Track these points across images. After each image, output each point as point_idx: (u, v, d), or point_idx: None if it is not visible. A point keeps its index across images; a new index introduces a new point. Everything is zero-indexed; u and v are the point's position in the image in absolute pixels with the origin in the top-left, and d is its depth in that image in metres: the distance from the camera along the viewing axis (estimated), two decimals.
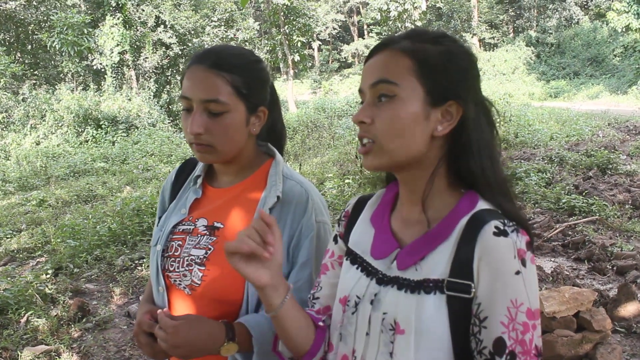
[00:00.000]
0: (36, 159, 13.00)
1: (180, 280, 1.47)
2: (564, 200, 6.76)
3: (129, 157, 13.04)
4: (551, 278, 4.72)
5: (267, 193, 1.47)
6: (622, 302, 3.89)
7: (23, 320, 4.47)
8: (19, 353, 3.92)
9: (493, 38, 39.45)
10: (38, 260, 6.17)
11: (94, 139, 15.87)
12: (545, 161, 9.44)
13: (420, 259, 1.08)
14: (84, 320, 4.50)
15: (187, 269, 1.45)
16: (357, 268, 1.20)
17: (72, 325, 4.40)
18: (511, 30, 40.62)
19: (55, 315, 4.50)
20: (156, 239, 1.55)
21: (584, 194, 7.20)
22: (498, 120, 1.19)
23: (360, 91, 1.14)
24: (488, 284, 1.00)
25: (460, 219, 1.07)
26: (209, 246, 1.45)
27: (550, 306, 3.46)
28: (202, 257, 1.44)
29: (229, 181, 1.54)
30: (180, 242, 1.50)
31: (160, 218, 1.61)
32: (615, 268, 4.95)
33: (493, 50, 36.87)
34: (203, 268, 1.43)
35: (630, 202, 6.90)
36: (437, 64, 1.07)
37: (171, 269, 1.48)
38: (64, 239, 6.34)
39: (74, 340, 4.20)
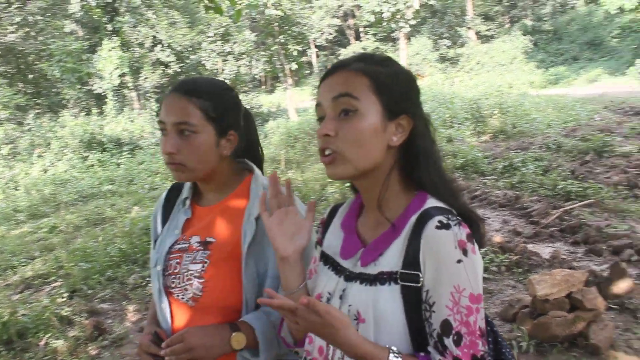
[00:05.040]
0: (45, 187, 13.20)
1: (182, 295, 1.61)
2: (560, 186, 6.88)
3: (135, 178, 13.21)
4: (548, 263, 4.84)
5: (251, 204, 1.62)
6: (614, 281, 4.00)
7: (42, 342, 4.63)
8: None
9: (489, 30, 39.44)
10: (53, 285, 6.33)
11: (99, 163, 16.08)
12: (543, 149, 9.56)
13: (378, 255, 1.22)
14: (100, 338, 4.66)
15: (187, 283, 1.60)
16: (329, 268, 1.34)
17: (90, 344, 4.57)
18: (507, 21, 40.61)
19: (73, 336, 4.66)
20: (155, 261, 1.69)
21: (579, 178, 7.32)
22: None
23: (319, 105, 1.26)
24: (433, 273, 1.13)
25: (411, 216, 1.21)
26: (205, 259, 1.60)
27: (543, 289, 3.58)
28: (200, 270, 1.59)
29: (214, 199, 1.68)
30: (178, 260, 1.64)
31: (155, 241, 1.75)
32: (610, 248, 5.06)
33: (490, 42, 36.87)
34: (202, 280, 1.58)
35: (625, 182, 7.00)
36: (389, 83, 1.21)
37: (172, 285, 1.63)
38: (77, 263, 6.52)
39: (92, 358, 4.36)
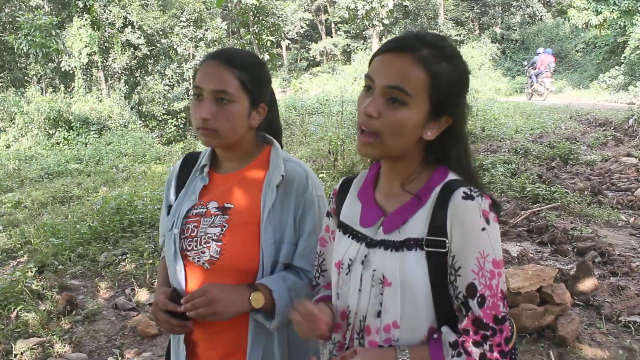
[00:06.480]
0: (8, 162, 12.92)
1: (199, 257, 1.65)
2: (528, 189, 7.11)
3: (103, 158, 13.03)
4: (517, 260, 5.02)
5: (271, 173, 1.68)
6: (580, 279, 4.20)
7: (13, 315, 4.58)
8: (13, 345, 4.06)
9: (459, 35, 39.98)
10: (19, 260, 6.24)
11: (65, 141, 15.80)
12: (511, 153, 9.82)
13: (402, 223, 1.30)
14: (73, 313, 4.63)
15: (205, 246, 1.64)
16: (348, 237, 1.41)
17: (62, 318, 4.52)
18: (477, 27, 41.22)
19: (45, 310, 4.62)
20: (171, 224, 1.73)
21: (547, 182, 7.57)
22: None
23: (369, 77, 1.27)
24: (460, 240, 1.23)
25: (434, 187, 1.30)
26: (224, 224, 1.65)
27: (515, 282, 3.74)
28: (218, 233, 1.64)
29: (232, 167, 1.73)
30: (195, 224, 1.68)
31: (169, 208, 1.79)
32: (575, 249, 5.28)
33: (459, 47, 37.38)
34: (220, 243, 1.63)
35: (589, 189, 7.29)
36: (445, 85, 1.24)
37: (189, 248, 1.67)
38: (46, 238, 6.43)
39: (65, 332, 4.33)
